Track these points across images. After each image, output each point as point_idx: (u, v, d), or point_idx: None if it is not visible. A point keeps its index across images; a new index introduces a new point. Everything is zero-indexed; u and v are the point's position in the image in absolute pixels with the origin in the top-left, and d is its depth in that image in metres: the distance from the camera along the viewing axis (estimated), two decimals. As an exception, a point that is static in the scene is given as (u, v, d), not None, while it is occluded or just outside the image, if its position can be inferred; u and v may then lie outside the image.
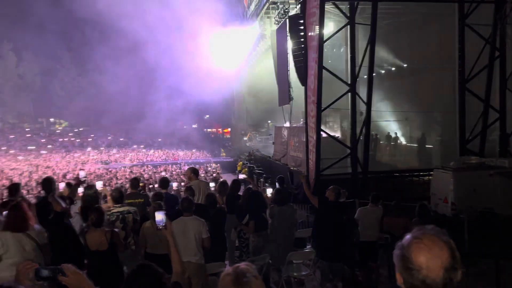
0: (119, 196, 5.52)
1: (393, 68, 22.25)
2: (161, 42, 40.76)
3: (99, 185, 6.09)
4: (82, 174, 5.60)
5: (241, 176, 9.81)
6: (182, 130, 51.21)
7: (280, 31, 17.67)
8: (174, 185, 8.44)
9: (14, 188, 5.77)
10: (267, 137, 29.27)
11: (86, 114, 54.64)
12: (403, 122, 19.99)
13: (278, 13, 18.64)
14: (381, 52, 18.34)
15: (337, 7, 12.69)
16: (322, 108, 12.25)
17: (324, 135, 12.86)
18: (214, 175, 23.50)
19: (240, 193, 7.32)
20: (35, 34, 51.49)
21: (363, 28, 14.19)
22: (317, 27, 11.98)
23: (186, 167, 19.63)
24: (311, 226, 7.51)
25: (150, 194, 10.71)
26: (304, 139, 13.32)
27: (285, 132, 18.46)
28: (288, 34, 14.29)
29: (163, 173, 24.21)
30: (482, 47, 12.90)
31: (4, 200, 6.79)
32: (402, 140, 20.23)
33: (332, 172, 12.37)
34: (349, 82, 12.87)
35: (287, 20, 14.66)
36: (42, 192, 5.70)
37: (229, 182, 7.62)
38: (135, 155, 38.37)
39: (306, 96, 13.10)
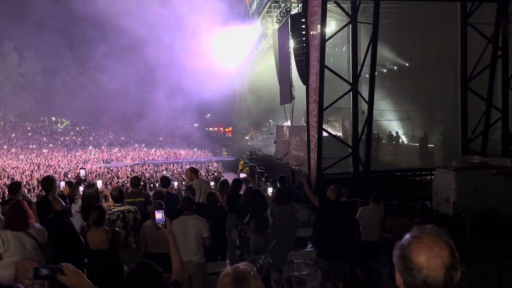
0: (119, 195, 5.52)
1: (395, 67, 22.20)
2: (163, 41, 40.71)
3: (99, 184, 6.08)
4: (82, 173, 5.59)
5: (242, 175, 9.79)
6: (183, 129, 51.24)
7: (282, 30, 17.64)
8: (175, 184, 8.47)
9: (14, 186, 5.77)
10: (269, 136, 29.23)
11: (88, 112, 54.74)
12: (405, 121, 19.95)
13: (280, 12, 18.59)
14: (383, 51, 18.30)
15: (339, 5, 12.65)
16: (324, 107, 12.23)
17: (325, 134, 12.84)
18: (216, 174, 23.51)
19: (241, 192, 7.31)
20: (36, 33, 51.63)
21: (365, 27, 14.15)
22: (319, 26, 11.96)
23: (188, 166, 19.65)
24: (312, 226, 7.49)
25: (151, 193, 10.75)
26: (306, 138, 13.30)
27: (287, 131, 18.44)
28: (290, 33, 14.28)
29: (164, 172, 24.24)
30: (484, 46, 12.86)
31: (5, 199, 6.80)
32: (404, 140, 20.19)
33: (333, 172, 12.35)
34: (351, 81, 12.84)
35: (289, 19, 14.64)
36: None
37: (230, 182, 7.61)
38: (136, 154, 38.40)
39: (307, 95, 13.08)
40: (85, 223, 5.24)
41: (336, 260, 5.88)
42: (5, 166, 28.35)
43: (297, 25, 13.17)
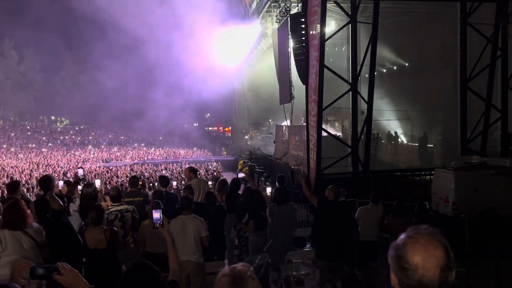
0: (117, 194, 5.50)
1: (395, 67, 22.21)
2: (163, 41, 40.71)
3: (97, 183, 6.07)
4: (80, 172, 5.57)
5: (241, 175, 9.79)
6: (183, 129, 51.22)
7: (282, 30, 17.64)
8: (174, 183, 8.46)
9: (13, 186, 5.76)
10: (268, 136, 29.24)
11: (87, 112, 54.69)
12: (404, 121, 19.96)
13: (280, 11, 18.59)
14: (383, 51, 18.31)
15: (338, 5, 12.64)
16: (323, 107, 12.23)
17: (325, 134, 12.83)
18: (215, 173, 23.50)
19: (240, 192, 7.31)
20: (36, 32, 51.56)
21: (365, 26, 14.15)
22: (318, 26, 11.95)
23: (187, 166, 19.63)
24: (311, 225, 7.48)
25: (150, 192, 10.74)
26: (305, 138, 13.29)
27: (286, 131, 18.43)
28: (290, 33, 14.26)
29: (163, 172, 24.23)
30: (484, 47, 12.85)
31: (4, 198, 6.78)
32: (403, 139, 20.20)
33: (333, 171, 12.35)
34: (350, 81, 12.84)
35: (289, 18, 14.62)
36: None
37: (229, 181, 7.60)
38: (136, 153, 38.39)
39: (307, 95, 13.07)
40: (83, 223, 5.23)
41: (335, 260, 5.88)
42: (4, 165, 28.32)
43: (296, 24, 13.16)
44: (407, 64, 21.48)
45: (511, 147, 12.91)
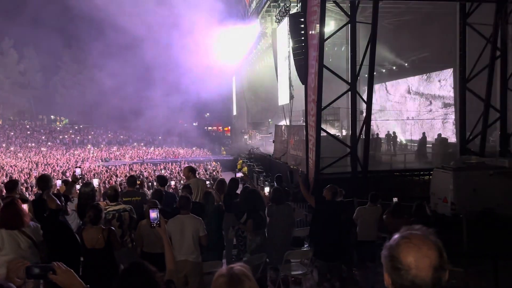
0: (114, 194, 5.49)
1: (394, 67, 22.23)
2: (162, 40, 40.72)
3: (95, 182, 6.05)
4: (78, 171, 5.56)
5: (239, 175, 9.80)
6: (182, 128, 51.21)
7: (281, 29, 17.65)
8: (173, 183, 8.47)
9: (11, 185, 5.74)
10: (268, 136, 29.25)
11: (87, 111, 54.65)
12: (403, 121, 19.99)
13: (279, 11, 18.59)
14: (382, 51, 18.32)
15: (338, 5, 12.64)
16: (322, 107, 12.23)
17: (324, 134, 12.84)
18: (214, 173, 23.49)
19: (238, 191, 7.30)
20: (36, 31, 51.52)
21: (364, 26, 14.15)
22: (317, 26, 11.95)
23: (186, 165, 19.59)
24: (309, 225, 7.48)
25: (150, 192, 10.74)
26: (304, 138, 13.29)
27: (285, 131, 18.44)
28: (289, 33, 14.26)
29: (163, 171, 24.22)
30: (483, 47, 12.85)
31: (3, 196, 6.76)
32: (402, 139, 20.22)
33: (332, 171, 12.35)
34: (349, 81, 12.84)
35: (288, 18, 14.62)
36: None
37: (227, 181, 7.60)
38: (135, 153, 38.36)
39: (306, 95, 13.08)
40: (81, 222, 5.23)
41: (333, 260, 5.88)
42: (4, 165, 28.29)
43: (296, 24, 13.16)
44: (406, 64, 21.50)
45: (510, 147, 12.92)
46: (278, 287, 5.92)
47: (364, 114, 12.98)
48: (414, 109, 21.25)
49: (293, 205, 9.17)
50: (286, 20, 16.52)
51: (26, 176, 22.30)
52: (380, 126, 21.45)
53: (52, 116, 64.71)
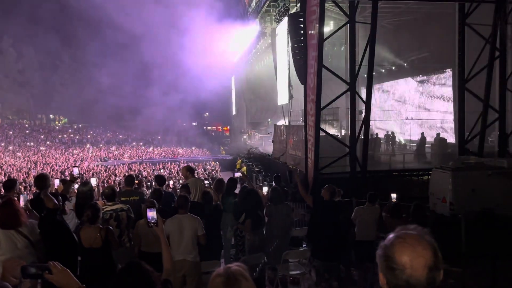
0: (111, 193, 5.47)
1: (393, 67, 22.24)
2: (162, 40, 40.71)
3: (93, 182, 6.04)
4: (75, 171, 5.55)
5: (237, 174, 9.79)
6: (181, 128, 51.21)
7: (280, 29, 17.64)
8: (171, 182, 8.46)
9: (9, 184, 5.71)
10: (267, 135, 29.25)
11: (86, 110, 54.64)
12: (402, 121, 20.01)
13: (279, 11, 18.59)
14: (381, 51, 18.33)
15: (337, 5, 12.64)
16: (321, 107, 12.22)
17: (323, 133, 12.83)
18: (213, 173, 23.49)
19: (237, 191, 7.29)
20: (34, 30, 51.48)
21: (363, 27, 14.15)
22: (317, 26, 11.94)
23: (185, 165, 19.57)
24: (307, 225, 7.47)
25: (148, 191, 10.73)
26: (303, 138, 13.29)
27: (285, 131, 18.44)
28: (288, 32, 14.24)
29: (161, 171, 24.20)
30: (482, 47, 12.85)
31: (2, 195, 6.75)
32: (401, 139, 20.24)
33: (331, 171, 12.35)
34: (348, 81, 12.83)
35: (287, 18, 14.61)
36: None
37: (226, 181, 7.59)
38: (134, 152, 38.34)
39: (305, 95, 13.07)
40: (79, 221, 5.21)
41: (331, 260, 5.88)
42: (2, 164, 28.26)
43: (295, 24, 13.15)
44: (405, 64, 21.51)
45: (508, 147, 12.93)
46: (276, 287, 5.92)
47: (363, 114, 12.98)
48: (413, 109, 21.27)
49: (292, 205, 9.15)
50: (285, 20, 16.51)
51: (24, 175, 22.28)
52: (379, 126, 21.45)
53: (51, 116, 64.68)
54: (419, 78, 20.87)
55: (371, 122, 13.78)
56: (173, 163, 28.70)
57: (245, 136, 35.87)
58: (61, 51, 58.22)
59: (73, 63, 59.00)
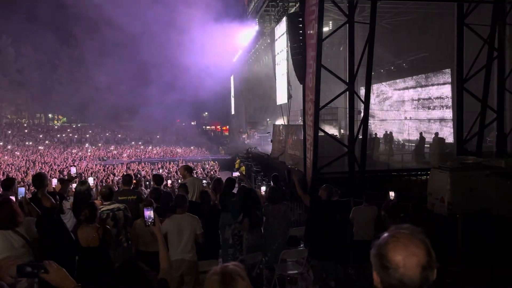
0: (108, 193, 5.47)
1: (392, 67, 22.25)
2: (161, 39, 40.70)
3: (90, 181, 6.04)
4: (73, 170, 5.54)
5: (235, 174, 9.78)
6: (180, 127, 51.19)
7: (279, 29, 17.65)
8: (169, 182, 8.46)
9: (7, 183, 5.70)
10: (266, 135, 29.26)
11: (85, 110, 54.58)
12: (401, 121, 20.02)
13: (278, 11, 18.60)
14: (380, 51, 18.33)
15: (336, 5, 12.64)
16: (320, 107, 12.22)
17: (321, 133, 12.84)
18: (212, 172, 23.48)
19: (235, 190, 7.29)
20: (33, 29, 51.41)
21: (362, 27, 14.15)
22: (316, 25, 11.94)
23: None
24: (305, 225, 7.47)
25: (147, 191, 10.73)
26: (302, 137, 13.29)
27: (283, 130, 18.45)
28: (287, 32, 14.25)
29: (160, 170, 24.19)
30: (480, 47, 12.87)
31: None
32: (400, 139, 20.26)
33: (329, 171, 12.36)
34: (347, 81, 12.83)
35: (286, 18, 14.61)
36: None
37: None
38: (133, 152, 38.30)
39: (304, 94, 13.07)
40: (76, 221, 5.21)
41: (328, 259, 5.88)
42: (1, 163, 28.22)
43: (294, 24, 13.15)
44: (404, 65, 21.52)
45: (506, 147, 12.95)
46: (273, 287, 5.92)
47: (362, 114, 12.98)
48: (411, 109, 21.28)
49: (290, 204, 9.16)
50: (284, 20, 16.52)
51: (23, 174, 22.26)
52: (379, 126, 21.48)
53: (50, 115, 64.57)
54: (418, 78, 20.88)
55: (370, 122, 13.80)
56: (172, 163, 28.69)
57: (244, 136, 35.87)
58: (60, 50, 58.18)
59: (72, 62, 58.89)
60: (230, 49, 30.10)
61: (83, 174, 20.30)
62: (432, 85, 19.39)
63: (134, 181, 7.63)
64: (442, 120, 18.21)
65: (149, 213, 3.11)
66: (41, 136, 49.83)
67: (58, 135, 51.05)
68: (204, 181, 7.74)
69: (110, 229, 4.72)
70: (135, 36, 42.54)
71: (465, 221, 8.22)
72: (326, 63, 13.03)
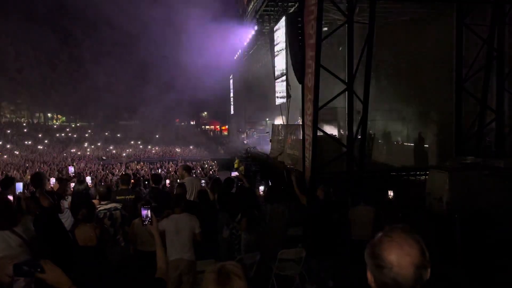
0: (106, 192, 5.47)
1: (391, 67, 22.22)
2: (160, 39, 40.69)
3: (88, 180, 6.04)
4: (71, 169, 5.56)
5: (234, 174, 9.81)
6: (179, 127, 51.19)
7: (278, 29, 17.65)
8: (167, 181, 8.47)
9: (7, 182, 5.70)
10: (265, 135, 29.26)
11: (84, 109, 54.56)
12: (400, 122, 20.01)
13: (277, 11, 18.59)
14: (379, 51, 18.31)
15: (335, 5, 12.63)
16: (319, 107, 12.23)
17: (320, 133, 12.85)
18: (211, 172, 23.48)
19: (233, 190, 7.30)
20: (33, 28, 51.34)
21: (362, 27, 14.14)
22: (315, 25, 11.94)
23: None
24: (302, 224, 7.47)
25: (146, 190, 10.72)
26: (301, 137, 13.30)
27: (282, 130, 18.45)
28: (286, 32, 14.26)
29: (159, 170, 24.19)
30: (480, 48, 12.88)
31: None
32: (399, 140, 20.24)
33: (328, 171, 12.36)
34: (346, 81, 12.83)
35: (285, 17, 14.62)
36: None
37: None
38: (132, 151, 38.29)
39: (303, 94, 13.08)
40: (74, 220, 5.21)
41: (326, 259, 5.89)
42: (0, 162, 28.20)
43: (293, 24, 13.16)
44: (403, 64, 21.49)
45: (505, 148, 12.96)
46: (271, 286, 5.92)
47: (361, 114, 12.97)
48: (411, 108, 21.24)
49: (289, 204, 9.15)
50: (283, 20, 16.52)
51: (22, 174, 22.24)
52: (378, 125, 21.45)
53: (49, 114, 64.53)
54: (416, 77, 20.85)
55: (369, 122, 13.78)
56: (171, 162, 28.68)
57: (243, 136, 35.87)
58: (60, 49, 58.12)
59: (72, 61, 58.85)
60: (229, 49, 30.09)
61: (82, 174, 20.29)
62: (431, 84, 19.36)
63: (133, 180, 7.63)
64: (441, 120, 18.18)
65: (146, 213, 3.12)
66: (40, 135, 49.79)
67: (57, 135, 51.03)
68: (203, 181, 7.75)
69: (108, 229, 4.72)
70: (134, 35, 42.56)
71: (463, 221, 8.23)
72: (325, 63, 13.04)
